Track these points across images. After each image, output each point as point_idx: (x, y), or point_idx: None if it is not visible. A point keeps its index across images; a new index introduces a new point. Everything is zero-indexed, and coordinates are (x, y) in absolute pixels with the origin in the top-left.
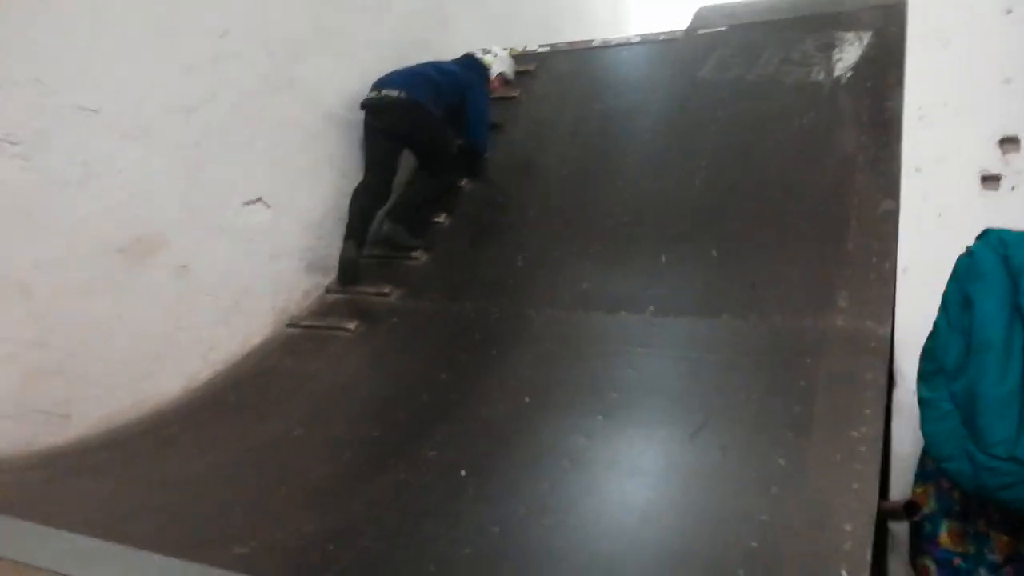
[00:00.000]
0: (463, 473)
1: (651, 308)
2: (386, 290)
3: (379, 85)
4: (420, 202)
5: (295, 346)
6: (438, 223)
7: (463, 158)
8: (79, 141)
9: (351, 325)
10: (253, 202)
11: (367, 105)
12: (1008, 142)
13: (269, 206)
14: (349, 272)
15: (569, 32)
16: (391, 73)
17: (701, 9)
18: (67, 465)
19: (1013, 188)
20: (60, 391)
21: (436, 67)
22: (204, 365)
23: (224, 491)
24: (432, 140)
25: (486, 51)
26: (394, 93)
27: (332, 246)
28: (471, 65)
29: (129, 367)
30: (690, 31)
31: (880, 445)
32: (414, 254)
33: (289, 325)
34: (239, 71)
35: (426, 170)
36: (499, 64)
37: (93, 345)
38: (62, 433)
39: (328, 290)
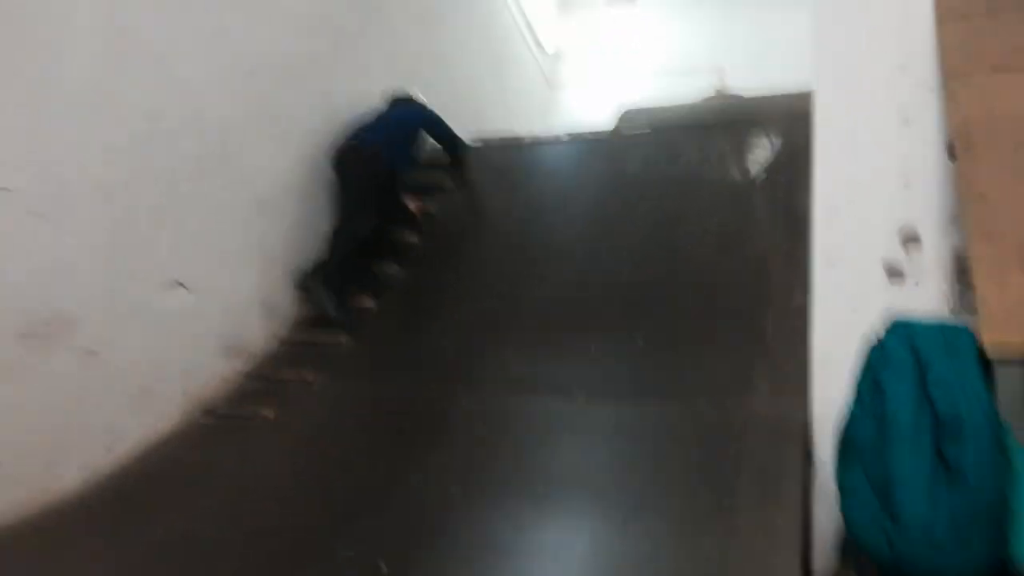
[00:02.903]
0: (384, 570)
1: (580, 395)
2: (308, 377)
3: (339, 139)
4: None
5: (208, 436)
6: (365, 308)
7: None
8: None
9: (269, 413)
10: (173, 286)
11: (333, 161)
12: (910, 241)
13: (190, 289)
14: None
15: (499, 129)
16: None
17: (625, 111)
18: None
19: (917, 283)
20: None
21: (389, 116)
22: (108, 456)
23: None
24: (379, 183)
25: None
26: (346, 144)
27: (253, 330)
28: (416, 107)
29: (23, 459)
30: (616, 131)
31: (801, 530)
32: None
33: (203, 413)
34: (167, 153)
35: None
36: None
37: None
38: None
39: (247, 376)
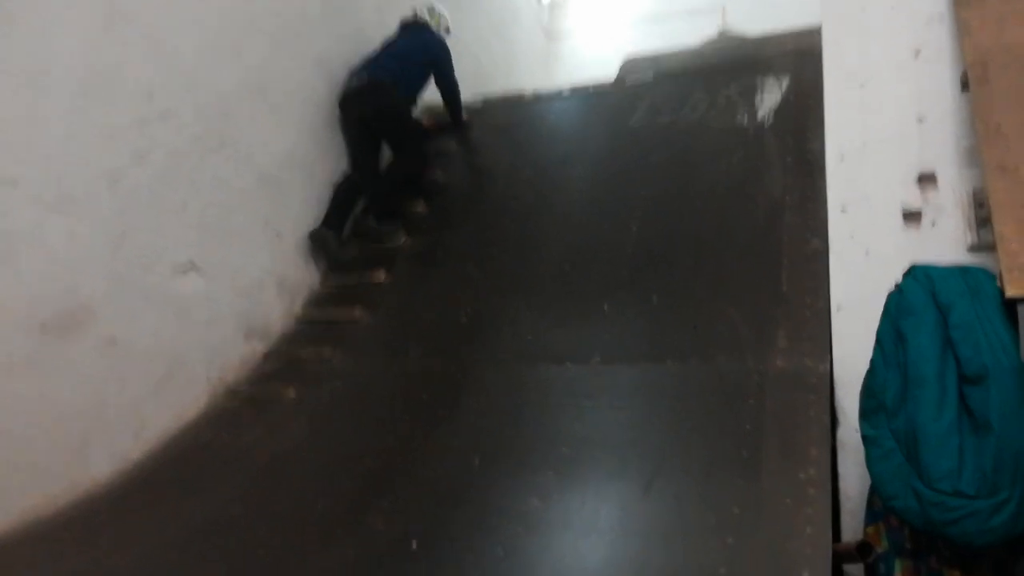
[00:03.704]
0: (414, 544)
1: (596, 358)
2: (327, 353)
3: (349, 76)
4: (388, 189)
5: (233, 417)
6: (378, 281)
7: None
8: None
9: (291, 392)
10: (184, 268)
11: (340, 101)
12: (925, 179)
13: (202, 272)
14: (323, 246)
15: (500, 86)
16: (362, 62)
17: (628, 59)
18: None
19: (934, 223)
20: None
21: (400, 48)
22: (136, 443)
23: None
24: (396, 119)
25: (431, 9)
26: (356, 81)
27: (269, 310)
28: (430, 41)
29: (54, 451)
30: (618, 81)
31: (829, 486)
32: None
33: (226, 395)
34: (166, 134)
35: (397, 154)
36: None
37: (13, 429)
38: None
39: (267, 356)
